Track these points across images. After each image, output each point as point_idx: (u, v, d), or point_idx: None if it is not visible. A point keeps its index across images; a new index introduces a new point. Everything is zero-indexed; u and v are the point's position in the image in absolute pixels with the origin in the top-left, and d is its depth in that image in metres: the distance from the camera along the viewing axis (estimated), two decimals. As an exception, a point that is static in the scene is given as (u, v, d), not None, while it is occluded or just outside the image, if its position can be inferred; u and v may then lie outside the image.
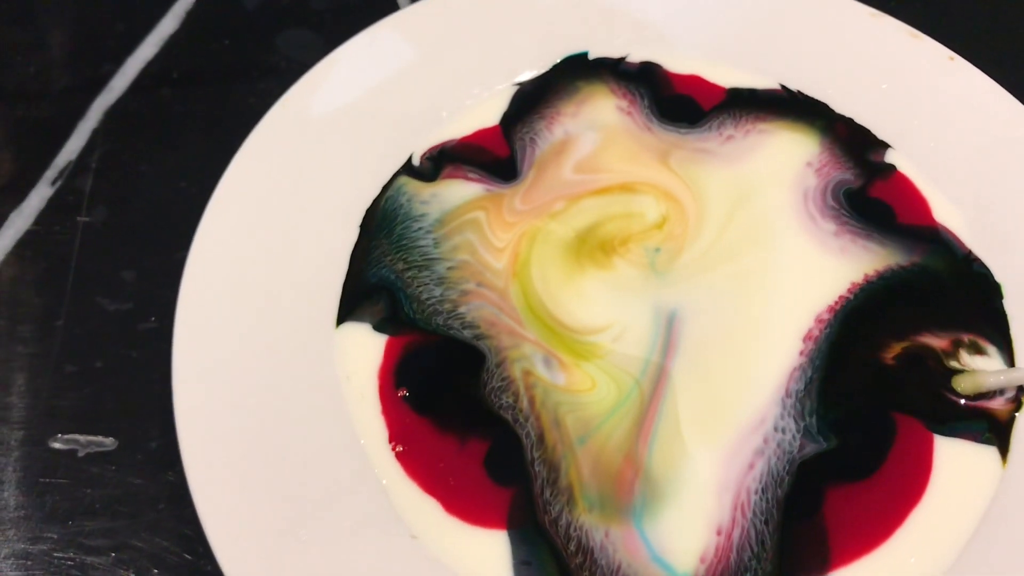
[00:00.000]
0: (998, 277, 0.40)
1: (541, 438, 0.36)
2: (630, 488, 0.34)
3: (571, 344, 0.38)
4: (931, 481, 0.34)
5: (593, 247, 0.40)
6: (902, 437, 0.35)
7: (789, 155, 0.43)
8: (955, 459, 0.35)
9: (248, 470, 0.34)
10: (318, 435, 0.36)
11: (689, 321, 0.38)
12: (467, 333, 0.38)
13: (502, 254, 0.40)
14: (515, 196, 0.42)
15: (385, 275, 0.40)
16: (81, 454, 0.38)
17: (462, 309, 0.39)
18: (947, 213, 0.41)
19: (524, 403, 0.36)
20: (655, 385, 0.36)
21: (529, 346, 0.38)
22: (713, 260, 0.40)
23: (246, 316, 0.38)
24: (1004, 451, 0.35)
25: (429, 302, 0.39)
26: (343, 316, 0.38)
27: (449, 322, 0.38)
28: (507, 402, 0.36)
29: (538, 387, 0.37)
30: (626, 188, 0.42)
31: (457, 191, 0.42)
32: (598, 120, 0.44)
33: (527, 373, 0.37)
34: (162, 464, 0.37)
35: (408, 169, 0.43)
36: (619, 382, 0.37)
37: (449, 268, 0.40)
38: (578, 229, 0.41)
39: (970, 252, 0.40)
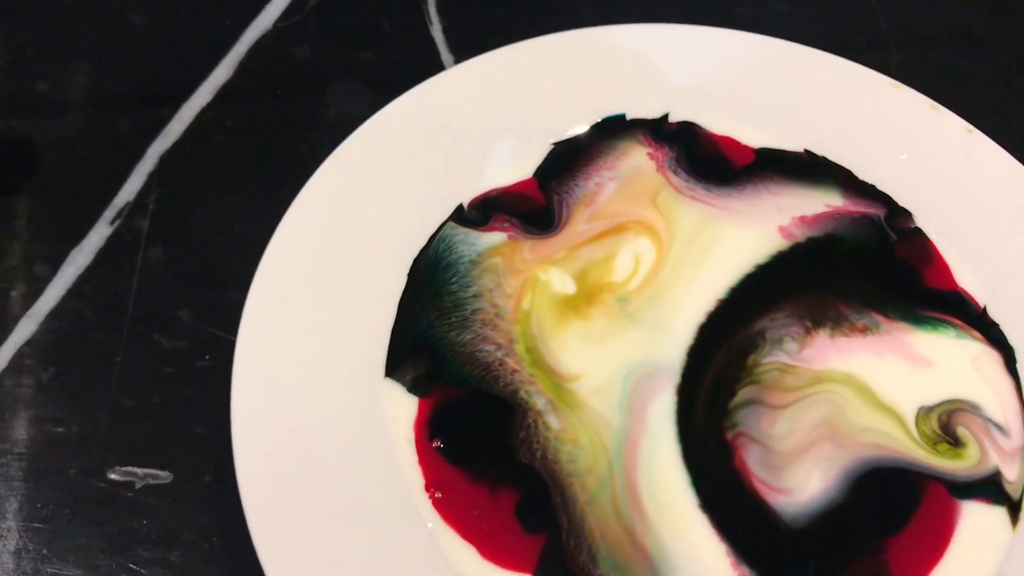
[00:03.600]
0: (1012, 341, 0.42)
1: (560, 490, 0.37)
2: (644, 559, 0.36)
3: (558, 388, 0.40)
4: (950, 545, 0.36)
5: (578, 295, 0.43)
6: (927, 500, 0.37)
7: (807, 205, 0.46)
8: (970, 522, 0.37)
9: (303, 508, 0.36)
10: (368, 476, 0.38)
11: (652, 379, 0.40)
12: (491, 384, 0.40)
13: (510, 300, 0.42)
14: (527, 244, 0.44)
15: (423, 330, 0.42)
16: (138, 485, 0.40)
17: (480, 354, 0.41)
18: (965, 278, 0.44)
19: (540, 453, 0.38)
20: (632, 457, 0.38)
21: (538, 393, 0.40)
22: (686, 311, 0.42)
23: (301, 359, 0.40)
24: (1015, 514, 0.37)
25: (456, 348, 0.41)
26: (389, 369, 0.40)
27: (474, 371, 0.40)
28: (530, 452, 0.38)
29: (549, 435, 0.39)
30: (617, 230, 0.45)
31: (488, 239, 0.44)
32: (625, 170, 0.47)
33: (542, 423, 0.39)
34: (216, 498, 0.39)
35: (457, 217, 0.45)
36: (596, 452, 0.38)
37: (472, 312, 0.42)
38: (570, 276, 0.43)
39: (986, 314, 0.43)
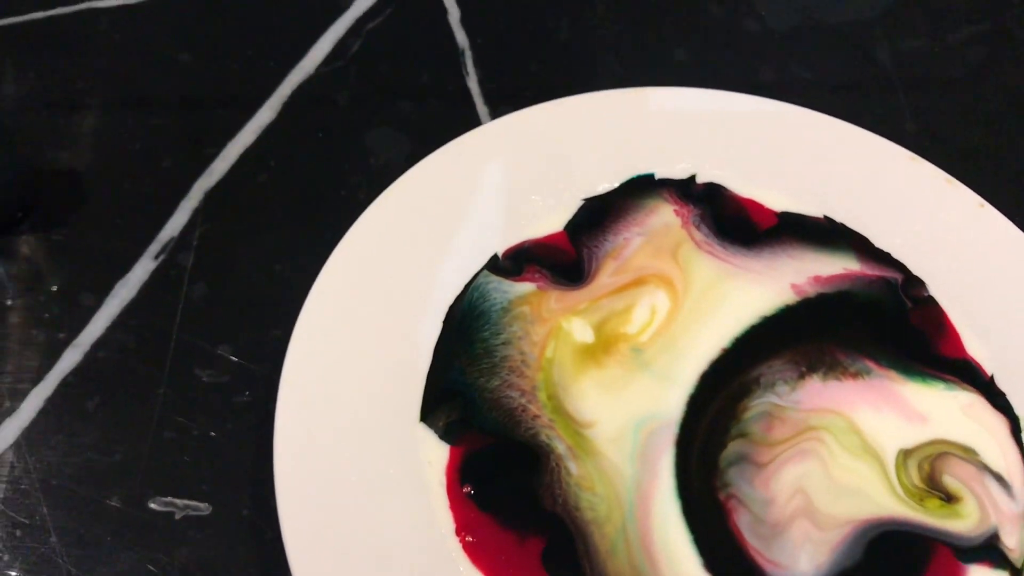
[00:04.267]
0: (1018, 411, 0.44)
1: (583, 538, 0.39)
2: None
3: (576, 435, 0.42)
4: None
5: (596, 345, 0.44)
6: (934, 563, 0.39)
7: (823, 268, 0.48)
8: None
9: (341, 544, 0.38)
10: (402, 517, 0.39)
11: (660, 431, 0.42)
12: (513, 429, 0.42)
13: (535, 347, 0.44)
14: (553, 294, 0.46)
15: (456, 376, 0.43)
16: (178, 517, 0.41)
17: (506, 400, 0.42)
18: (974, 347, 0.46)
19: (562, 499, 0.40)
20: (646, 511, 0.40)
21: (557, 439, 0.42)
22: (692, 361, 0.44)
23: (341, 400, 0.41)
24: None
25: (484, 394, 0.43)
26: (423, 415, 0.42)
27: (499, 417, 0.42)
28: (553, 498, 0.40)
29: (570, 481, 0.40)
30: (637, 282, 0.47)
31: (519, 288, 0.46)
32: (652, 226, 0.49)
33: (564, 469, 0.41)
34: (253, 531, 0.41)
35: (491, 266, 0.47)
36: (611, 502, 0.40)
37: (501, 359, 0.44)
38: (590, 326, 0.45)
39: (993, 383, 0.44)
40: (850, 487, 0.41)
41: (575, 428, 0.42)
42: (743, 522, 0.39)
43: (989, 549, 0.39)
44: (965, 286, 0.47)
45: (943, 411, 0.43)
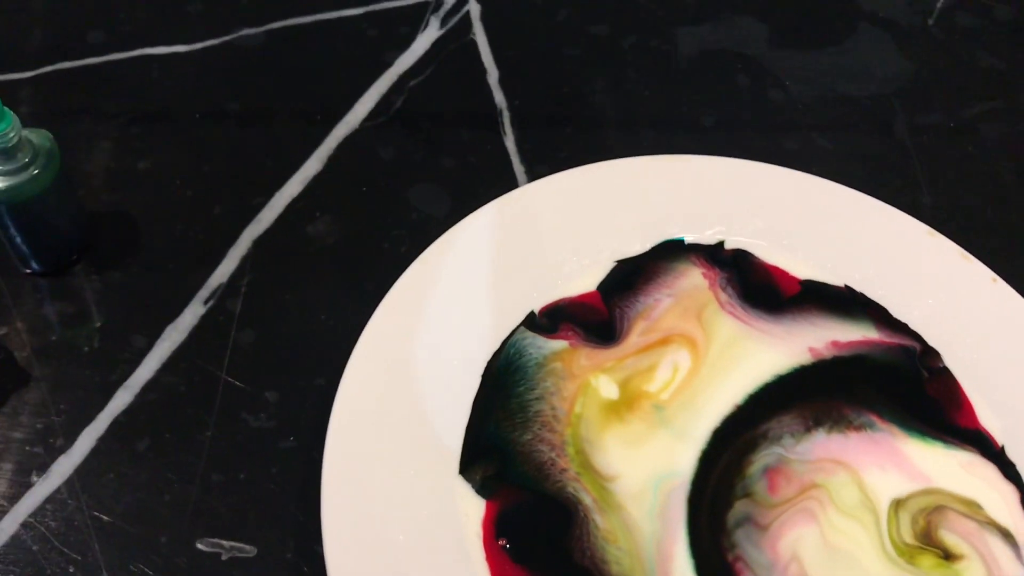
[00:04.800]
0: (1026, 481, 0.46)
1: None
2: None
3: (601, 488, 0.44)
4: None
5: (620, 401, 0.46)
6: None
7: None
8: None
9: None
10: (441, 568, 0.41)
11: (679, 488, 0.44)
12: (542, 482, 0.44)
13: (565, 403, 0.46)
14: (584, 352, 0.48)
15: (492, 430, 0.45)
16: (224, 558, 0.43)
17: (536, 454, 0.44)
18: (986, 418, 0.48)
19: (590, 553, 0.42)
20: (667, 570, 0.41)
21: (584, 491, 0.43)
22: (707, 418, 0.46)
23: (385, 451, 0.43)
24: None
25: (517, 447, 0.44)
26: (461, 468, 0.44)
27: (530, 471, 0.44)
28: (582, 552, 0.42)
29: (598, 534, 0.42)
30: (663, 342, 0.49)
31: (553, 344, 0.48)
32: (681, 288, 0.51)
33: (592, 522, 0.42)
34: (296, 573, 0.42)
35: (529, 324, 0.49)
36: (633, 558, 0.41)
37: (534, 413, 0.46)
38: (616, 383, 0.47)
39: (1004, 454, 0.47)
40: (842, 551, 0.42)
41: (600, 482, 0.44)
42: None
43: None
44: (978, 358, 0.49)
45: (943, 467, 0.45)
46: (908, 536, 0.43)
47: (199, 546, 0.43)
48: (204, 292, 0.51)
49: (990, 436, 0.47)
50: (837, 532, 0.43)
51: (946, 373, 0.49)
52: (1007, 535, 0.43)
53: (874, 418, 0.47)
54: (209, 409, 0.47)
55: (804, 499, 0.43)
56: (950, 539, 0.43)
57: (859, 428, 0.46)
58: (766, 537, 0.42)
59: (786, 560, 0.42)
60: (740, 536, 0.42)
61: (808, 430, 0.46)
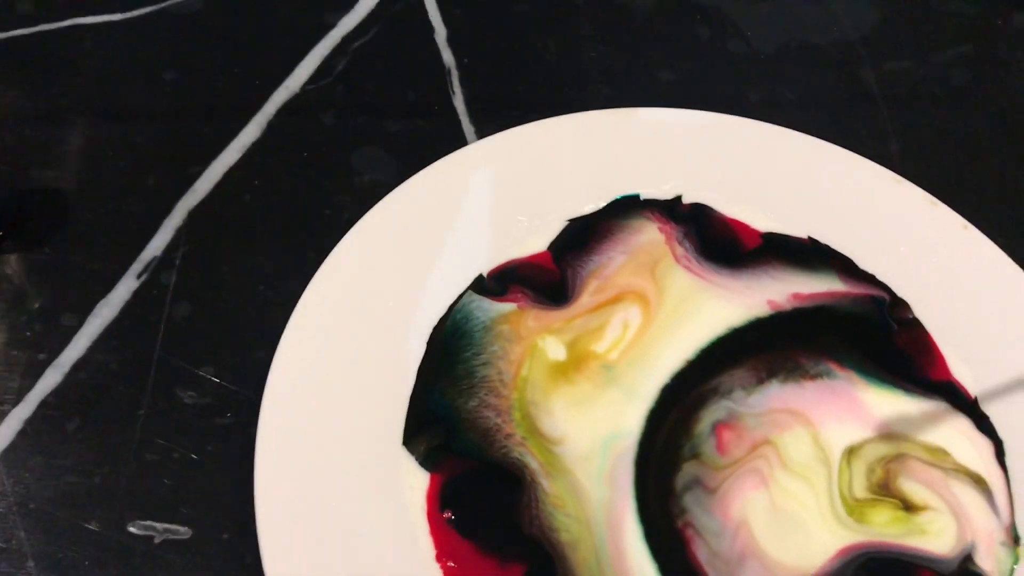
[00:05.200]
0: (1001, 434, 0.44)
1: (563, 564, 0.39)
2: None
3: (547, 452, 0.41)
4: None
5: (568, 362, 0.44)
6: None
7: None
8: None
9: (322, 568, 0.37)
10: (384, 541, 0.39)
11: (627, 450, 0.41)
12: (487, 448, 0.41)
13: (512, 366, 0.44)
14: (532, 313, 0.46)
15: (438, 399, 0.43)
16: (157, 541, 0.41)
17: (481, 420, 0.42)
18: (957, 369, 0.46)
19: (538, 521, 0.40)
20: (619, 536, 0.39)
21: (530, 456, 0.41)
22: (656, 374, 0.44)
23: (323, 422, 0.41)
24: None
25: (462, 415, 0.42)
26: (405, 439, 0.42)
27: (475, 438, 0.42)
28: (530, 521, 0.40)
29: (546, 500, 0.40)
30: (615, 299, 0.46)
31: (501, 307, 0.46)
32: (635, 244, 0.49)
33: (540, 488, 0.40)
34: (234, 555, 0.40)
35: (477, 287, 0.47)
36: (582, 524, 0.39)
37: (479, 379, 0.44)
38: (563, 344, 0.45)
39: (977, 405, 0.44)
40: (789, 514, 0.40)
41: (546, 446, 0.42)
42: (702, 554, 0.39)
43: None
44: (949, 307, 0.47)
45: (906, 415, 0.43)
46: (861, 490, 0.41)
47: (131, 530, 0.41)
48: (137, 266, 0.48)
49: (962, 387, 0.45)
50: (785, 494, 0.40)
51: (916, 324, 0.47)
52: (978, 481, 0.41)
53: (832, 366, 0.44)
54: (142, 387, 0.45)
55: (753, 458, 0.41)
56: (911, 488, 0.41)
57: (815, 377, 0.44)
58: (715, 501, 0.40)
59: (735, 525, 0.40)
60: (689, 500, 0.40)
61: (760, 382, 0.44)
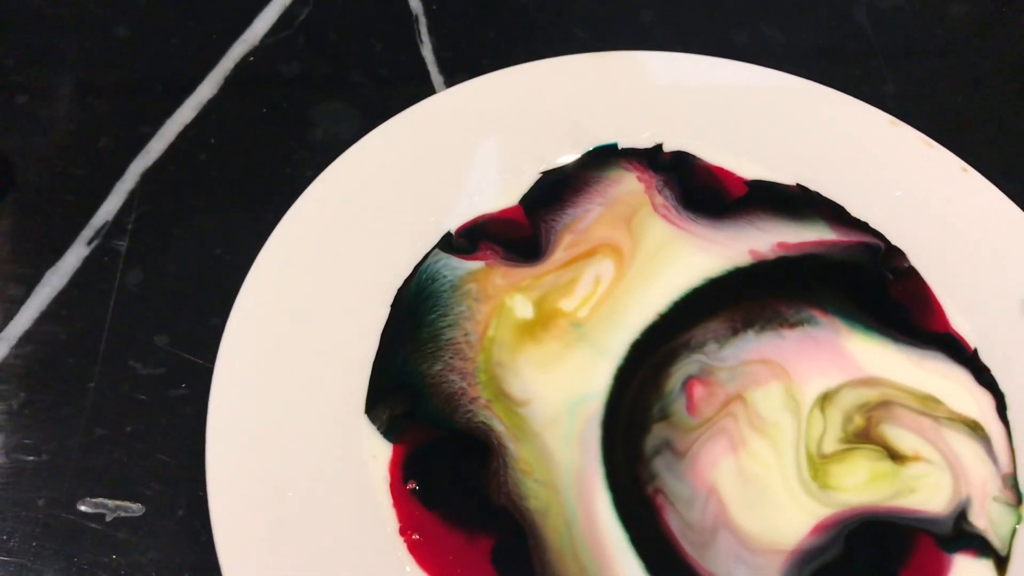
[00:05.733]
0: (1002, 386, 0.41)
1: (533, 533, 0.36)
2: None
3: (513, 415, 0.39)
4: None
5: (536, 321, 0.41)
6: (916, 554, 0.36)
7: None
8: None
9: (277, 545, 0.35)
10: (345, 514, 0.37)
11: (597, 415, 0.39)
12: (451, 414, 0.39)
13: (479, 327, 0.42)
14: (499, 271, 0.43)
15: (401, 365, 0.40)
16: (108, 518, 0.39)
17: (445, 384, 0.40)
18: (956, 319, 0.43)
19: (507, 488, 0.37)
20: (590, 502, 0.36)
21: (496, 419, 0.39)
22: (627, 330, 0.41)
23: (280, 390, 0.39)
24: (1002, 569, 0.36)
25: (426, 379, 0.40)
26: (368, 406, 0.39)
27: (439, 404, 0.39)
28: (499, 489, 0.37)
29: (515, 466, 0.38)
30: (588, 254, 0.44)
31: (469, 266, 0.43)
32: (613, 195, 0.46)
33: (509, 453, 0.38)
34: (189, 532, 0.38)
35: (444, 245, 0.44)
36: (550, 491, 0.37)
37: (445, 341, 0.41)
38: (531, 302, 0.42)
39: (977, 357, 0.42)
40: (757, 482, 0.37)
41: (513, 408, 0.39)
42: (674, 524, 0.36)
43: (970, 538, 0.37)
44: (947, 255, 0.44)
45: (895, 363, 0.40)
46: (834, 442, 0.38)
47: (81, 507, 0.39)
48: (88, 232, 0.46)
49: (961, 338, 0.42)
50: (753, 458, 0.38)
51: (912, 274, 0.44)
52: (975, 428, 0.39)
53: (815, 313, 0.41)
54: (93, 358, 0.42)
55: (723, 417, 0.39)
56: (897, 435, 0.38)
57: (795, 325, 0.41)
58: (686, 466, 0.38)
59: (706, 493, 0.37)
60: (659, 465, 0.37)
61: (735, 333, 0.41)
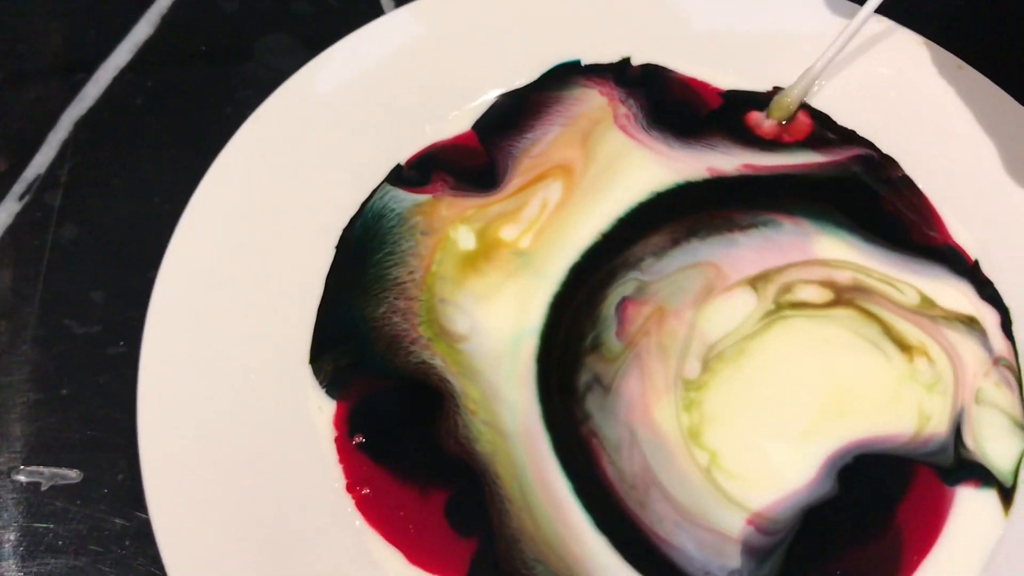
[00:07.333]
0: (1007, 301, 0.38)
1: (489, 482, 0.34)
2: (576, 565, 0.32)
3: (453, 352, 0.36)
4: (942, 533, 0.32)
5: (478, 251, 0.38)
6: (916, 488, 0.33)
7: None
8: (960, 509, 0.33)
9: (216, 509, 0.33)
10: (289, 472, 0.34)
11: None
12: (392, 357, 0.36)
13: (423, 262, 0.38)
14: (444, 201, 0.40)
15: (346, 311, 0.37)
16: (45, 487, 0.36)
17: (388, 327, 0.37)
18: (955, 229, 0.39)
19: (457, 433, 0.34)
20: (536, 445, 0.34)
21: (439, 358, 0.36)
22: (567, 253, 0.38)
23: (217, 344, 0.36)
24: (1007, 499, 0.34)
25: (370, 324, 0.37)
26: (312, 356, 0.37)
27: (381, 349, 0.36)
28: (449, 434, 0.34)
29: (469, 407, 0.35)
30: (538, 179, 0.40)
31: (417, 198, 0.40)
32: (574, 114, 0.42)
33: (460, 394, 0.35)
34: (129, 499, 0.36)
35: (394, 178, 0.41)
36: (495, 433, 0.34)
37: (390, 282, 0.38)
38: (474, 233, 0.39)
39: (978, 269, 0.38)
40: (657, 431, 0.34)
41: (453, 345, 0.36)
42: (611, 472, 0.33)
43: (971, 466, 0.34)
44: (943, 159, 0.41)
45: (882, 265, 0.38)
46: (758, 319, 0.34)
47: (17, 477, 0.37)
48: (18, 187, 0.43)
49: (962, 250, 0.39)
50: (655, 391, 0.34)
51: (906, 183, 0.41)
52: (970, 322, 0.36)
53: (776, 216, 0.37)
54: (26, 319, 0.40)
55: (638, 339, 0.35)
56: (893, 321, 0.35)
57: (748, 228, 0.37)
58: (613, 402, 0.34)
59: (628, 438, 0.33)
60: (591, 403, 0.34)
61: (676, 244, 0.37)
